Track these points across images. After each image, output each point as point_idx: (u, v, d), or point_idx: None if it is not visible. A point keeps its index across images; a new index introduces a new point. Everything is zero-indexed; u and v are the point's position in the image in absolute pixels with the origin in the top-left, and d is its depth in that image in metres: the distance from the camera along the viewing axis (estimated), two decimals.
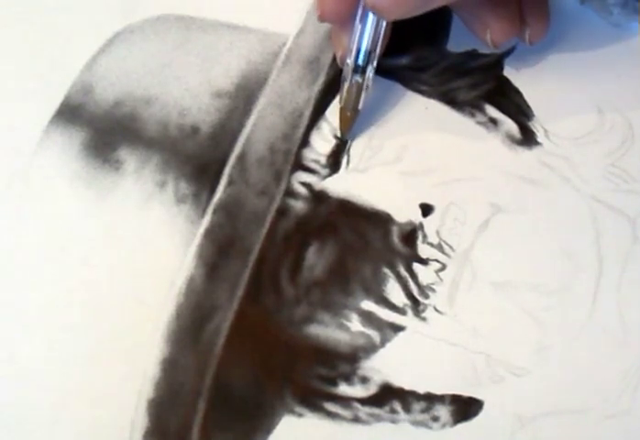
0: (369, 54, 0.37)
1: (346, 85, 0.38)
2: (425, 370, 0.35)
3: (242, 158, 0.38)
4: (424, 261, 0.36)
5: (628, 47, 0.40)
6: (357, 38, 0.37)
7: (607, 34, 0.40)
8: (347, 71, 0.38)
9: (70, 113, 0.40)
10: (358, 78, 0.37)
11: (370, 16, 0.36)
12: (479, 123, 0.39)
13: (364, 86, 0.38)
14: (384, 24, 0.37)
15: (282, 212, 0.37)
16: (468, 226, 0.37)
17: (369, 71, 0.37)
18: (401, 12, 0.35)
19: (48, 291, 0.36)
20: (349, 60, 0.37)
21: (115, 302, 0.36)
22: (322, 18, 0.38)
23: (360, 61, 0.37)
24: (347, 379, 0.34)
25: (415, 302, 0.36)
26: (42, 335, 0.35)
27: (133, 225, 0.37)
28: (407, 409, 0.34)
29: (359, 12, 0.37)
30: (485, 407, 0.34)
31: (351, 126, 0.39)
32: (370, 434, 0.34)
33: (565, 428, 0.33)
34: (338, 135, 0.39)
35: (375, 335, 0.35)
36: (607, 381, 0.34)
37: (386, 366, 0.35)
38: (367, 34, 0.37)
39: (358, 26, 0.37)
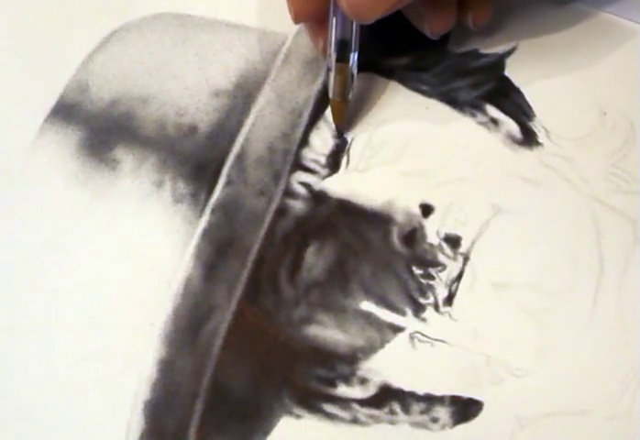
0: (349, 41, 0.37)
1: (332, 76, 0.38)
2: (425, 371, 0.34)
3: (241, 157, 0.38)
4: (423, 262, 0.36)
5: (630, 46, 0.40)
6: (334, 29, 0.37)
7: (609, 34, 0.40)
8: (331, 61, 0.37)
9: (65, 112, 0.39)
10: (343, 67, 0.37)
11: None
12: (479, 123, 0.39)
13: (349, 73, 0.37)
14: None
15: (281, 212, 0.37)
16: (469, 227, 0.37)
17: (353, 58, 0.37)
18: (376, 15, 0.35)
19: (43, 292, 0.36)
20: (331, 50, 0.37)
21: (111, 303, 0.36)
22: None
23: (342, 50, 0.37)
24: (346, 380, 0.34)
25: (415, 303, 0.35)
26: (38, 336, 0.35)
27: (130, 225, 0.37)
28: (406, 410, 0.34)
29: (331, 5, 0.37)
30: (485, 408, 0.34)
31: (344, 116, 0.38)
32: (369, 436, 0.33)
33: (565, 429, 0.33)
34: (337, 133, 0.39)
35: (374, 336, 0.35)
36: (608, 382, 0.34)
37: (385, 367, 0.34)
38: (343, 23, 0.37)
39: (333, 17, 0.37)
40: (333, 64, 0.37)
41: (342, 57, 0.37)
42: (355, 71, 0.38)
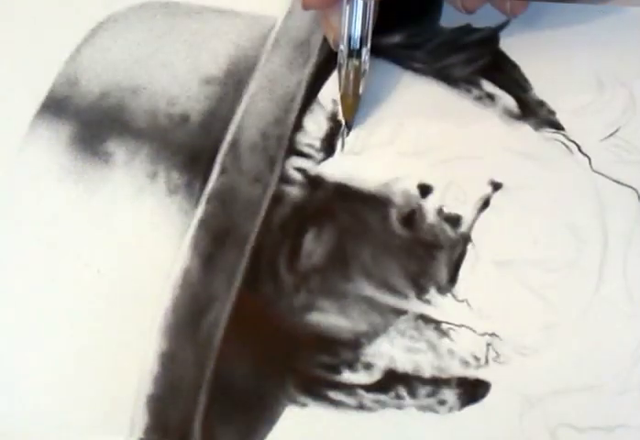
0: (361, 37, 0.36)
1: (343, 71, 0.37)
2: (430, 354, 0.34)
3: (234, 145, 0.38)
4: (424, 243, 0.36)
5: (627, 17, 0.40)
6: (347, 23, 0.36)
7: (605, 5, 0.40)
8: (343, 56, 0.37)
9: (55, 106, 0.39)
10: (354, 62, 0.37)
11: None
12: (475, 99, 0.38)
13: (362, 70, 0.37)
14: (372, 4, 0.36)
15: (278, 198, 0.37)
16: (469, 205, 0.36)
17: (365, 54, 0.37)
18: None
19: (41, 288, 0.36)
20: (343, 46, 0.37)
21: (109, 297, 0.35)
22: (307, 6, 0.37)
23: (354, 45, 0.37)
24: (351, 366, 0.34)
25: (417, 285, 0.35)
26: (38, 332, 0.35)
27: (125, 218, 0.37)
28: (413, 394, 0.34)
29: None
30: (492, 389, 0.33)
31: (355, 112, 0.38)
32: (376, 421, 0.33)
33: (576, 406, 0.33)
34: (336, 118, 0.38)
35: (377, 320, 0.35)
36: (617, 356, 0.34)
37: (389, 351, 0.34)
38: (357, 17, 0.36)
39: (346, 9, 0.36)
40: (345, 59, 0.37)
41: (357, 51, 0.37)
42: (367, 65, 0.37)
